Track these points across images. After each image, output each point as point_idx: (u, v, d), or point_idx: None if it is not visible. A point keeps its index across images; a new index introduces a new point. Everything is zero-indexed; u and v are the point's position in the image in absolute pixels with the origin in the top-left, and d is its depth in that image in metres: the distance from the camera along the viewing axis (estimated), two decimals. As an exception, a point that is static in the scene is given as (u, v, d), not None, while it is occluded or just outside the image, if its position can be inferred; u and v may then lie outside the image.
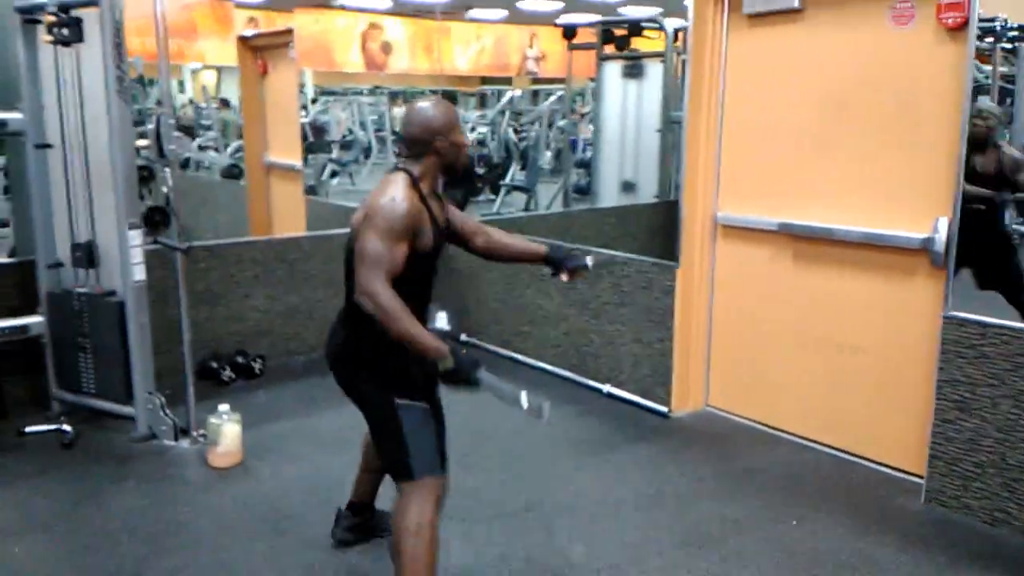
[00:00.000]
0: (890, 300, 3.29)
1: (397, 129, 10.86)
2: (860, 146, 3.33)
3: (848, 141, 3.37)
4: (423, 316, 2.30)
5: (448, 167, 2.32)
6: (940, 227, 3.06)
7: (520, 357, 4.66)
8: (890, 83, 3.20)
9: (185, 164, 9.80)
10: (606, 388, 4.17)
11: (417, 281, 2.25)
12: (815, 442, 3.60)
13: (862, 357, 3.40)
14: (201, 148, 10.53)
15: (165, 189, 3.50)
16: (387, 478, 2.43)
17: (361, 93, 14.34)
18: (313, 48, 14.62)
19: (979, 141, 4.10)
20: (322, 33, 15.37)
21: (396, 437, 2.25)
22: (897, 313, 3.27)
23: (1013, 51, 7.55)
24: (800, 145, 3.54)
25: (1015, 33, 7.43)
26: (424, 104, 2.31)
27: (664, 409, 3.93)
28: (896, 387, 3.29)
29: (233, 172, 9.22)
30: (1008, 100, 7.32)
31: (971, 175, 3.99)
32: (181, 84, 14.48)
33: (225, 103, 11.84)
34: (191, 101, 13.80)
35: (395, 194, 2.16)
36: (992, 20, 6.53)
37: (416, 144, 2.27)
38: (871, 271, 3.35)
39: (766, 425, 3.79)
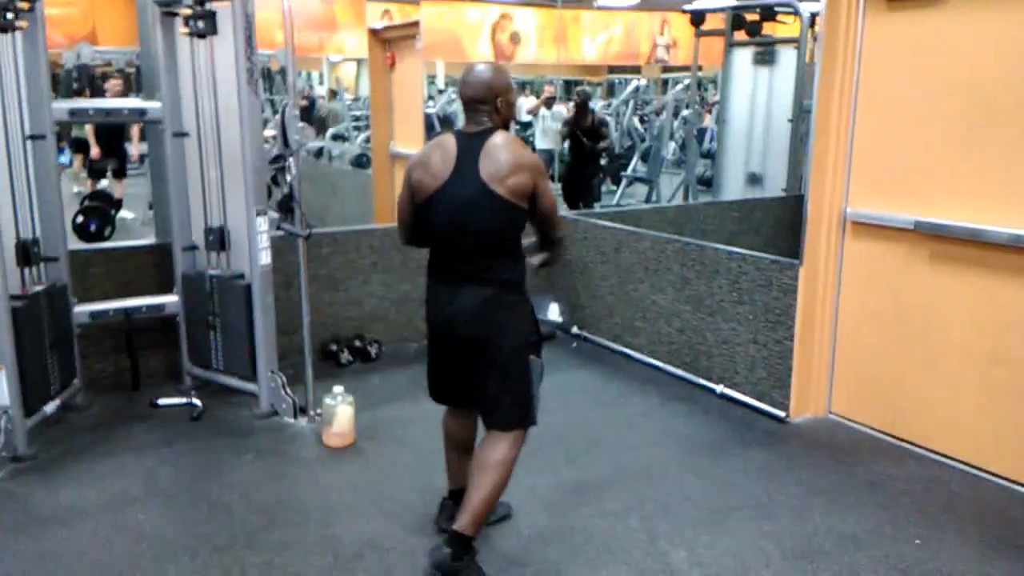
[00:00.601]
0: (1039, 308, 3.01)
1: (521, 119, 10.85)
2: (1009, 140, 3.05)
3: (995, 134, 3.09)
4: None
5: (506, 124, 2.53)
6: (1101, 229, 2.77)
7: (632, 353, 4.57)
8: (1047, 70, 2.91)
9: (319, 153, 10.22)
10: (720, 388, 4.03)
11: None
12: (948, 457, 3.35)
13: (1006, 370, 3.12)
14: (334, 138, 10.93)
15: (289, 178, 3.63)
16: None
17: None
18: (443, 40, 14.86)
19: None
20: (452, 24, 15.59)
21: (527, 389, 2.51)
22: (1047, 323, 2.98)
23: None
24: (940, 138, 3.28)
25: None
26: (482, 66, 2.53)
27: (781, 414, 3.75)
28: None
29: (361, 161, 9.52)
30: None
31: None
32: (321, 76, 15.07)
33: (333, 94, 12.26)
34: (332, 91, 14.35)
35: (523, 147, 2.50)
36: None
37: (483, 103, 2.46)
38: (1015, 276, 3.06)
39: (894, 436, 3.55)
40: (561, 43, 17.10)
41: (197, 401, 3.80)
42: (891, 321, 3.54)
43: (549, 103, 9.22)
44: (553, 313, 4.95)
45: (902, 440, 3.52)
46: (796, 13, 6.37)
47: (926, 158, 3.34)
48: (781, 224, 5.66)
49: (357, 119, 11.89)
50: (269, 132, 3.77)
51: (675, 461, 3.43)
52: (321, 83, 15.00)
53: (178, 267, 3.94)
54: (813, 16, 6.24)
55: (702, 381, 4.14)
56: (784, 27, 6.62)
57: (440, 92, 13.88)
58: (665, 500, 3.07)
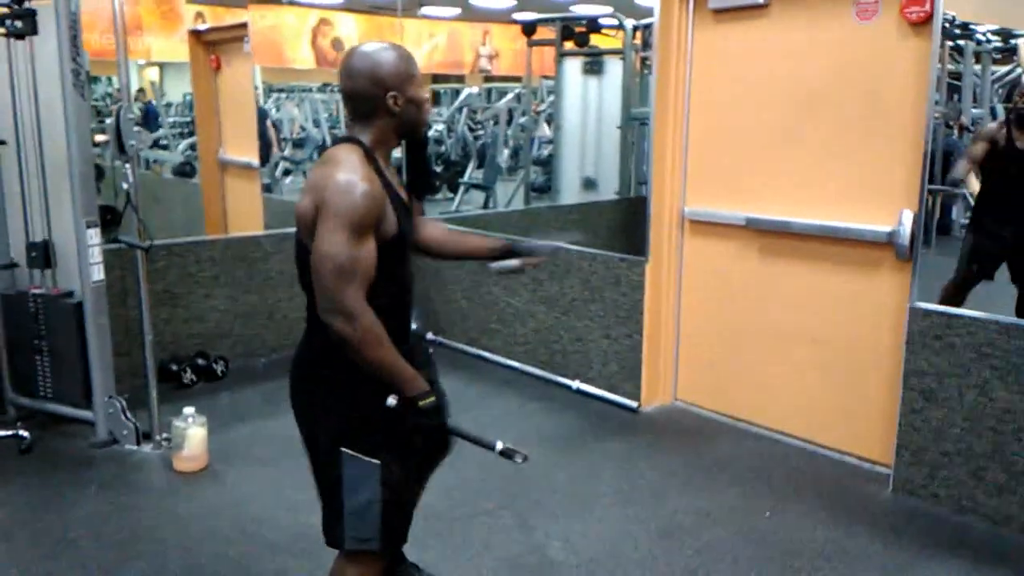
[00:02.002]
0: (857, 293, 3.35)
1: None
2: (826, 140, 3.38)
3: (814, 135, 3.42)
4: (407, 323, 1.93)
5: (407, 130, 1.85)
6: (905, 220, 3.12)
7: (488, 355, 4.63)
8: (855, 78, 3.26)
9: (143, 162, 9.55)
10: (576, 384, 4.17)
11: (396, 280, 1.83)
12: (784, 434, 3.65)
13: (829, 349, 3.45)
14: (153, 145, 10.26)
15: (126, 185, 3.39)
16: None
17: (311, 90, 14.16)
18: (262, 44, 14.35)
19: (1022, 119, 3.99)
20: (271, 29, 15.09)
21: (338, 498, 1.82)
22: (864, 306, 3.33)
23: (958, 49, 7.75)
24: (767, 140, 3.58)
25: (959, 31, 7.65)
26: (369, 49, 1.78)
27: (634, 404, 3.95)
28: (864, 378, 3.35)
29: (185, 170, 9.01)
30: (955, 96, 7.53)
31: (1009, 152, 3.96)
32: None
33: (142, 92, 11.65)
34: (141, 92, 13.46)
35: (348, 174, 1.69)
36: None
37: (363, 102, 1.78)
38: (838, 265, 3.40)
39: (735, 418, 3.83)
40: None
41: (24, 432, 3.45)
42: (727, 311, 3.81)
43: None
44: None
45: (742, 421, 3.80)
46: (620, 27, 6.71)
47: (754, 158, 3.63)
48: (616, 225, 5.95)
49: (174, 125, 11.24)
50: (100, 137, 3.50)
51: (540, 457, 3.50)
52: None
53: (-6, 287, 3.56)
54: (635, 29, 6.60)
55: (559, 379, 4.27)
56: (611, 39, 6.95)
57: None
58: (536, 495, 3.15)
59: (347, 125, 1.86)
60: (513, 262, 2.12)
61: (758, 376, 3.73)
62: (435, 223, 2.29)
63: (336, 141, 1.84)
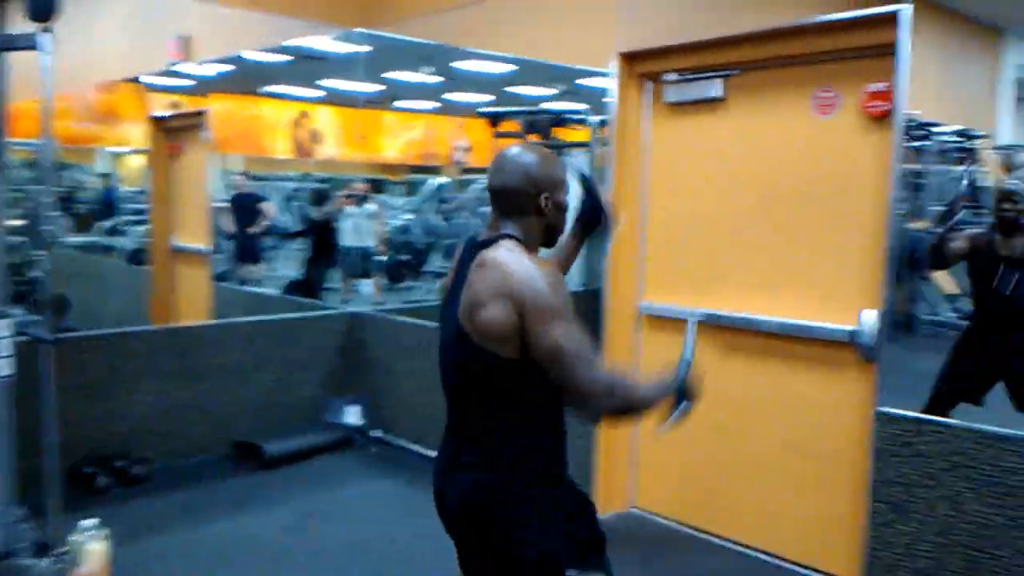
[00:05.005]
0: (822, 395, 3.15)
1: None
2: (787, 235, 3.24)
3: (774, 230, 3.28)
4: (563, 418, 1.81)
5: (550, 233, 1.83)
6: (866, 319, 2.96)
7: (434, 454, 4.33)
8: (816, 172, 3.14)
9: (100, 248, 9.34)
10: (526, 489, 3.88)
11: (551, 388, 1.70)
12: (749, 547, 3.37)
13: (796, 455, 3.22)
14: (109, 232, 10.06)
15: (40, 273, 3.16)
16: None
17: (289, 179, 14.20)
18: (242, 133, 14.45)
19: (1009, 225, 3.70)
20: (249, 120, 15.23)
21: None
22: (830, 409, 3.12)
23: (919, 149, 7.87)
24: (725, 234, 3.43)
25: (921, 132, 7.81)
26: (526, 151, 1.80)
27: (588, 512, 3.66)
28: (832, 487, 3.11)
29: (139, 257, 8.79)
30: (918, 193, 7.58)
31: (999, 262, 3.63)
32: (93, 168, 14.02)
33: (107, 177, 11.53)
34: (106, 177, 13.37)
35: (537, 266, 1.66)
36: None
37: (516, 200, 1.76)
38: (801, 365, 3.21)
39: (698, 529, 3.55)
40: (361, 143, 17.22)
41: (-95, 546, 3.10)
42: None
43: (361, 200, 9.15)
44: (350, 416, 4.64)
45: (705, 532, 3.52)
46: (584, 122, 6.70)
47: (713, 253, 3.48)
48: (579, 317, 5.75)
49: (136, 212, 11.05)
50: (16, 222, 3.29)
51: (482, 573, 3.20)
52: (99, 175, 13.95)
53: None
54: (601, 123, 6.58)
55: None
56: (575, 132, 6.93)
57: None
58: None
59: (491, 223, 1.81)
60: (683, 405, 1.83)
61: (721, 483, 3.47)
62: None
63: (484, 240, 1.76)
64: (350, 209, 9.11)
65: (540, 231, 1.80)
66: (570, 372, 1.62)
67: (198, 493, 3.82)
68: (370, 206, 9.27)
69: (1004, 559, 2.54)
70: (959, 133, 8.38)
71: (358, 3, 5.68)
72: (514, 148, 1.81)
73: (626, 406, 1.70)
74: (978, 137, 8.88)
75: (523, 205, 1.77)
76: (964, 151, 8.75)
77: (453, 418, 1.84)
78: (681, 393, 1.78)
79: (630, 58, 3.66)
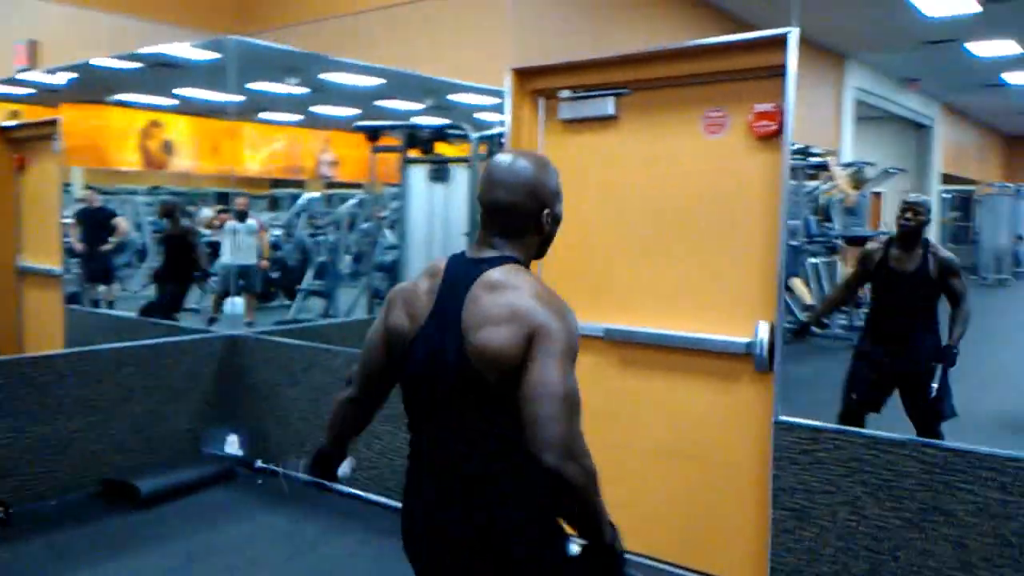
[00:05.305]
0: (721, 406, 3.23)
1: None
2: (684, 250, 3.31)
3: (670, 246, 3.34)
4: None
5: (543, 250, 1.74)
6: (761, 331, 3.06)
7: (327, 483, 4.13)
8: (708, 190, 3.23)
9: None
10: (427, 514, 3.76)
11: None
12: (657, 559, 3.40)
13: (698, 466, 3.28)
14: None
15: None
16: None
17: (136, 193, 13.36)
18: (85, 144, 13.45)
19: (908, 236, 3.68)
20: (95, 129, 14.21)
21: None
22: (729, 420, 3.20)
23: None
24: (626, 250, 3.47)
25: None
26: (522, 159, 1.63)
27: (492, 534, 3.59)
28: (735, 497, 3.18)
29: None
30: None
31: (887, 273, 3.72)
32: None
33: None
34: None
35: (553, 297, 1.57)
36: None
37: (518, 219, 1.63)
38: (701, 377, 3.28)
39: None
40: (218, 154, 16.44)
41: None
42: (587, 427, 3.57)
43: (242, 216, 8.72)
44: (232, 446, 4.37)
45: (608, 547, 3.52)
46: (465, 137, 6.67)
47: (613, 269, 3.51)
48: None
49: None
50: None
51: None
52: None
53: None
54: (480, 139, 6.57)
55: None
56: (456, 148, 6.90)
57: (81, 201, 12.40)
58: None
59: (481, 239, 1.66)
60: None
61: (624, 496, 3.48)
62: None
63: (485, 259, 1.62)
64: (231, 224, 8.70)
65: (535, 248, 1.71)
66: (557, 419, 1.48)
67: (63, 537, 3.46)
68: (252, 221, 8.88)
69: (904, 560, 2.67)
70: (802, 152, 9.06)
71: (232, 9, 5.43)
72: (507, 157, 1.65)
73: (584, 492, 1.52)
74: (823, 154, 9.58)
75: (525, 224, 1.65)
76: (815, 168, 9.42)
77: (432, 447, 1.70)
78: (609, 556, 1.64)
79: (523, 75, 3.65)
